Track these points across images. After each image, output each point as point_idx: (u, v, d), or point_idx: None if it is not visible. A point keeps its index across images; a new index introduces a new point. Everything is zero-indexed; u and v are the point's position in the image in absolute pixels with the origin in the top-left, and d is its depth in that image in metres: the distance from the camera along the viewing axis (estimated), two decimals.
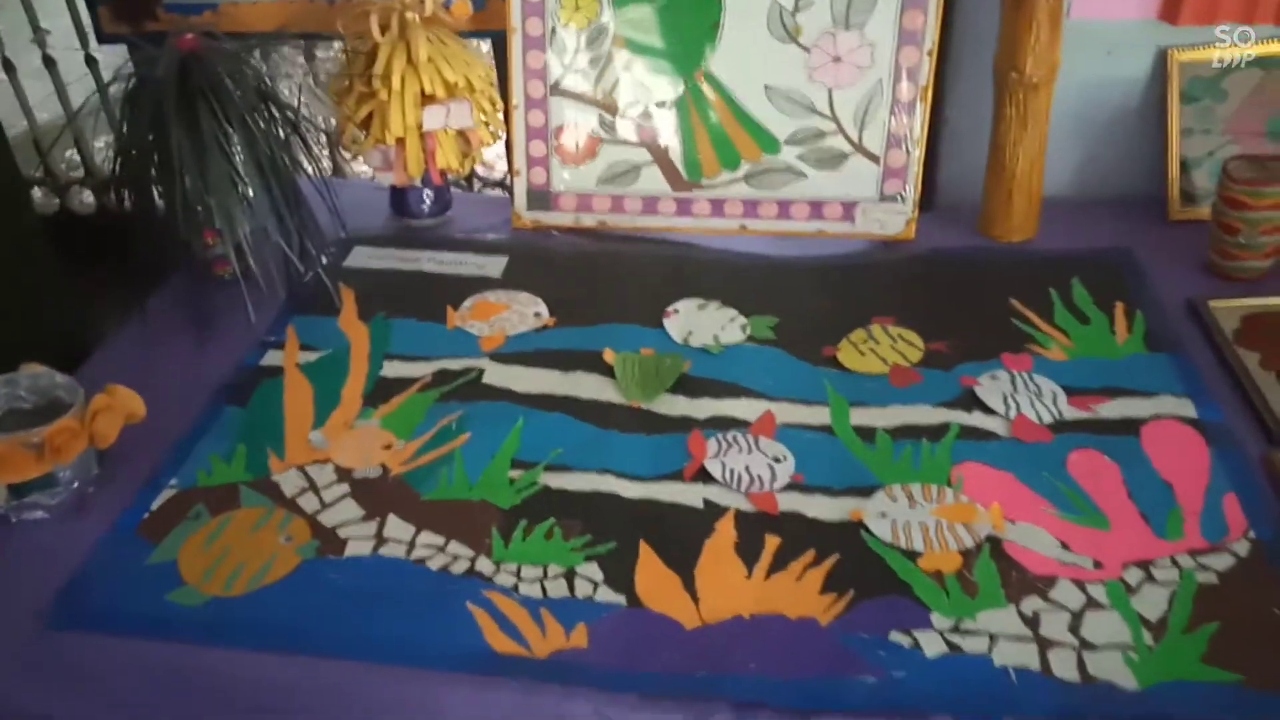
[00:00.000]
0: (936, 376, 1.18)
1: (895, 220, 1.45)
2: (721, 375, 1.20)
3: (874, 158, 1.43)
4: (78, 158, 2.25)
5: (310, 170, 1.31)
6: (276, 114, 1.27)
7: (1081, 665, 0.85)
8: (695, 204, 1.48)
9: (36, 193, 2.19)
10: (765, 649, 0.88)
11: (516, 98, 1.46)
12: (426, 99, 1.38)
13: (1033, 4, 1.29)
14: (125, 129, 1.27)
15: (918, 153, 1.42)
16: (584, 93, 1.45)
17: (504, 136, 1.49)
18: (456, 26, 1.43)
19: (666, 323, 1.29)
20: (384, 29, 1.36)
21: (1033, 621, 0.89)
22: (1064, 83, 1.41)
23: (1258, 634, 0.87)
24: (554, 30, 1.43)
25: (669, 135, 1.46)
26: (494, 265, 1.41)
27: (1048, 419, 1.11)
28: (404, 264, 1.42)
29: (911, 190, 1.43)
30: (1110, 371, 1.17)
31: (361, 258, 1.44)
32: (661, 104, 1.44)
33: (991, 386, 1.16)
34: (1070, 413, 1.12)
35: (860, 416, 1.13)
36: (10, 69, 2.05)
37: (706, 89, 1.43)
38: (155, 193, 1.27)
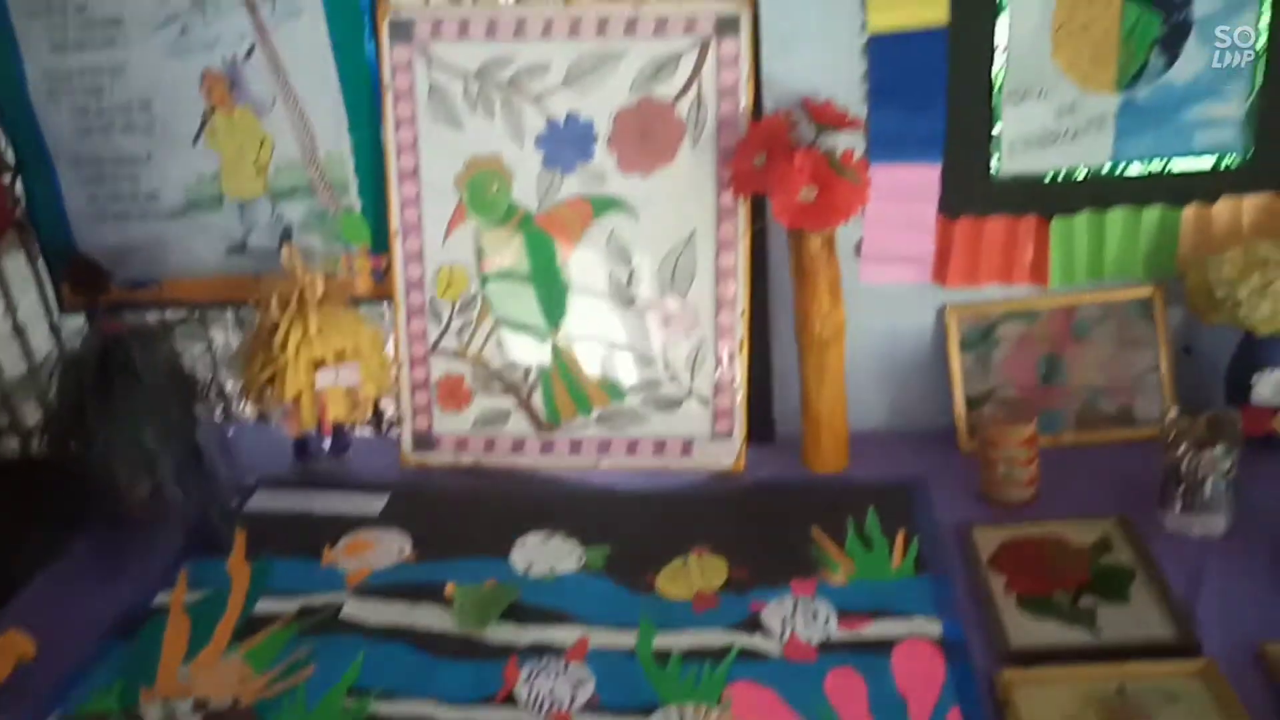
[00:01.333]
0: (731, 601, 1.37)
1: (726, 456, 1.67)
2: (552, 603, 1.39)
3: (705, 402, 1.66)
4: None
5: (208, 433, 1.53)
6: (183, 387, 1.52)
7: None
8: (557, 444, 1.71)
9: None
10: None
11: (402, 356, 1.71)
12: (319, 363, 1.62)
13: (815, 276, 1.55)
14: (54, 395, 1.51)
15: (740, 397, 1.65)
16: (459, 351, 1.70)
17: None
18: (357, 296, 1.70)
19: (513, 555, 1.49)
20: (284, 305, 1.62)
21: None
22: (865, 335, 1.66)
23: None
24: (431, 300, 1.69)
25: (531, 386, 1.70)
26: (375, 504, 1.62)
27: (817, 640, 1.29)
28: (296, 504, 1.63)
29: (738, 429, 1.66)
30: (881, 594, 1.35)
31: (262, 500, 1.66)
32: (523, 360, 1.69)
33: (775, 610, 1.34)
34: (838, 634, 1.30)
35: (662, 640, 1.31)
36: None
37: (561, 347, 1.68)
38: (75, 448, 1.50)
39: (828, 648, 1.28)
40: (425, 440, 1.74)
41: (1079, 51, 1.50)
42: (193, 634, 1.35)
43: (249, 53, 1.70)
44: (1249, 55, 1.47)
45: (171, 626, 1.36)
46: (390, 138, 1.66)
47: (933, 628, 1.29)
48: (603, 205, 1.64)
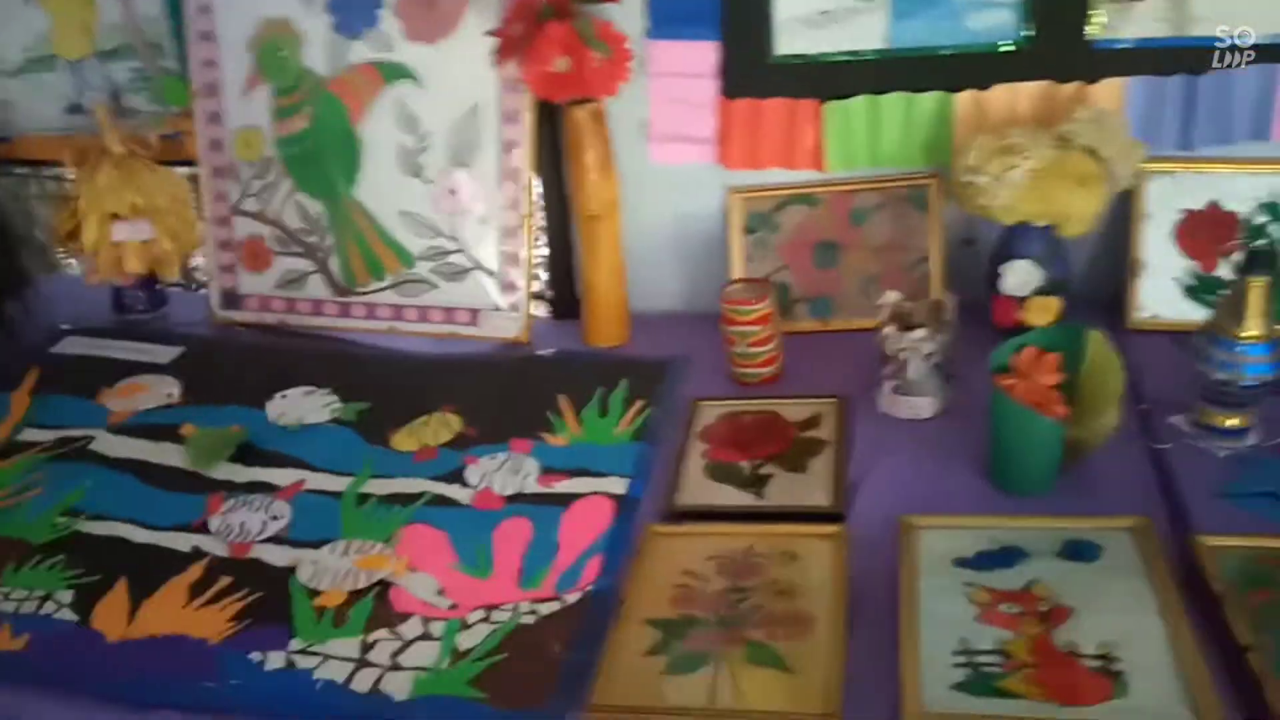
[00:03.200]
0: (449, 455, 1.43)
1: (511, 327, 1.71)
2: (287, 449, 1.46)
3: (491, 273, 1.70)
4: None
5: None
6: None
7: (378, 681, 1.08)
8: (353, 308, 1.77)
9: None
10: (160, 660, 1.12)
11: (206, 215, 1.77)
12: (115, 217, 1.69)
13: (582, 151, 1.56)
14: None
15: (523, 271, 1.68)
16: (259, 212, 1.76)
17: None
18: (156, 157, 1.76)
19: (269, 405, 1.56)
20: (82, 162, 1.69)
21: (367, 647, 1.12)
22: (657, 217, 1.69)
23: (528, 665, 1.08)
24: (231, 162, 1.74)
25: (328, 250, 1.75)
26: (168, 354, 1.70)
27: (510, 492, 1.34)
28: (96, 350, 1.72)
29: (523, 302, 1.69)
30: (591, 456, 1.40)
31: (68, 345, 1.75)
32: (319, 222, 1.74)
33: (484, 465, 1.39)
34: (531, 488, 1.35)
35: (372, 486, 1.38)
36: None
37: (354, 213, 1.73)
38: None
39: (516, 499, 1.33)
40: (232, 299, 1.81)
41: None
42: None
43: None
44: None
45: None
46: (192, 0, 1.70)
47: (618, 487, 1.33)
48: (392, 73, 1.66)
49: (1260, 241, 1.44)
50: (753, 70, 1.58)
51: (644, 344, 1.68)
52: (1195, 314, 1.44)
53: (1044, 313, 1.47)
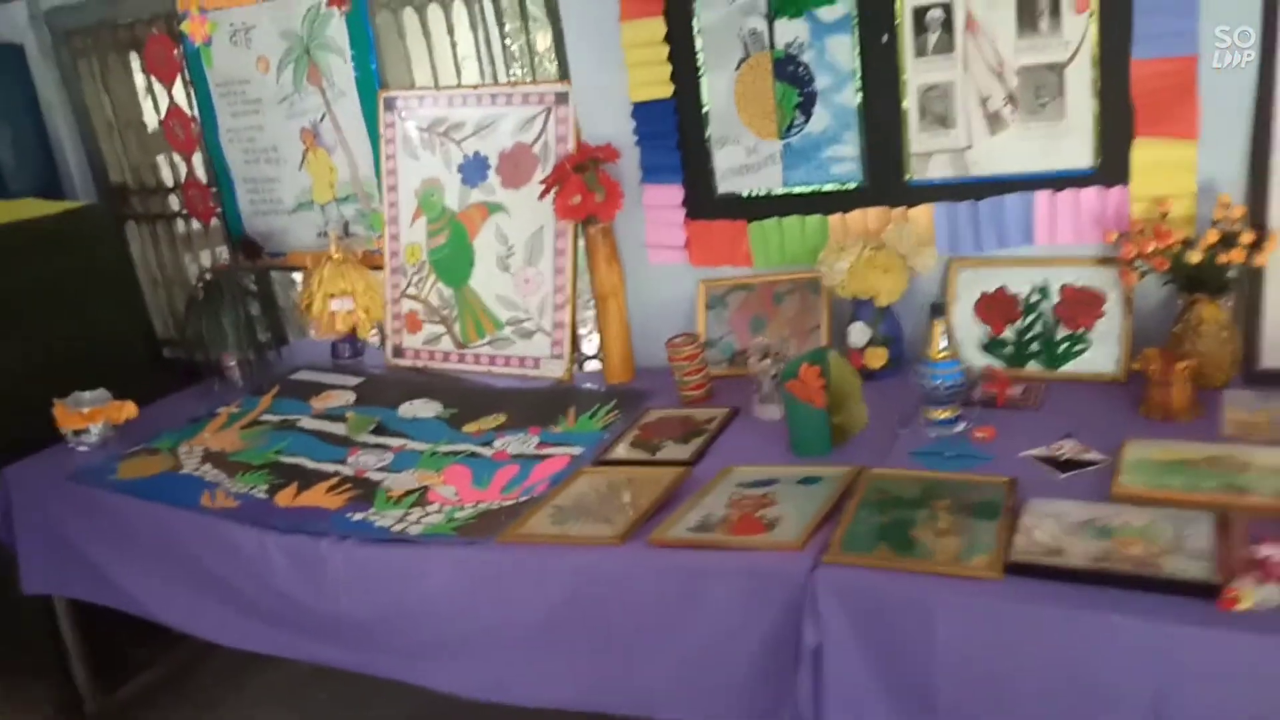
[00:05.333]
0: (490, 435, 2.32)
1: (558, 369, 2.61)
2: (400, 428, 2.42)
3: (547, 334, 2.62)
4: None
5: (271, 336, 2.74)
6: (268, 309, 2.74)
7: (404, 528, 1.97)
8: (467, 356, 2.74)
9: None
10: (304, 516, 2.08)
11: (386, 297, 2.83)
12: (332, 296, 2.78)
13: (596, 252, 2.47)
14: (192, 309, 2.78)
15: (568, 333, 2.59)
16: (416, 295, 2.79)
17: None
18: (362, 261, 2.85)
19: (400, 407, 2.53)
20: (316, 264, 2.80)
21: (406, 515, 2.02)
22: (655, 298, 2.55)
23: (484, 524, 1.94)
24: (402, 264, 2.80)
25: (453, 319, 2.75)
26: (353, 381, 2.74)
27: (514, 452, 2.22)
28: (315, 378, 2.79)
29: (566, 353, 2.60)
30: (571, 437, 2.24)
31: (301, 375, 2.83)
32: (449, 301, 2.74)
33: (510, 438, 2.28)
34: (530, 451, 2.21)
35: (442, 447, 2.30)
36: None
37: (469, 296, 2.71)
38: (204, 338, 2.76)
39: (518, 457, 2.20)
40: (398, 350, 2.84)
41: (753, 113, 2.32)
42: (224, 424, 2.53)
43: (322, 118, 2.91)
44: (853, 113, 2.22)
45: (214, 421, 2.56)
46: (385, 166, 2.80)
47: (577, 452, 2.17)
48: (493, 208, 2.66)
49: (938, 299, 2.03)
50: (704, 202, 2.44)
51: (643, 381, 2.52)
52: (985, 361, 2.12)
53: (876, 358, 2.19)
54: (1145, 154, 1.99)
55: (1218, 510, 1.52)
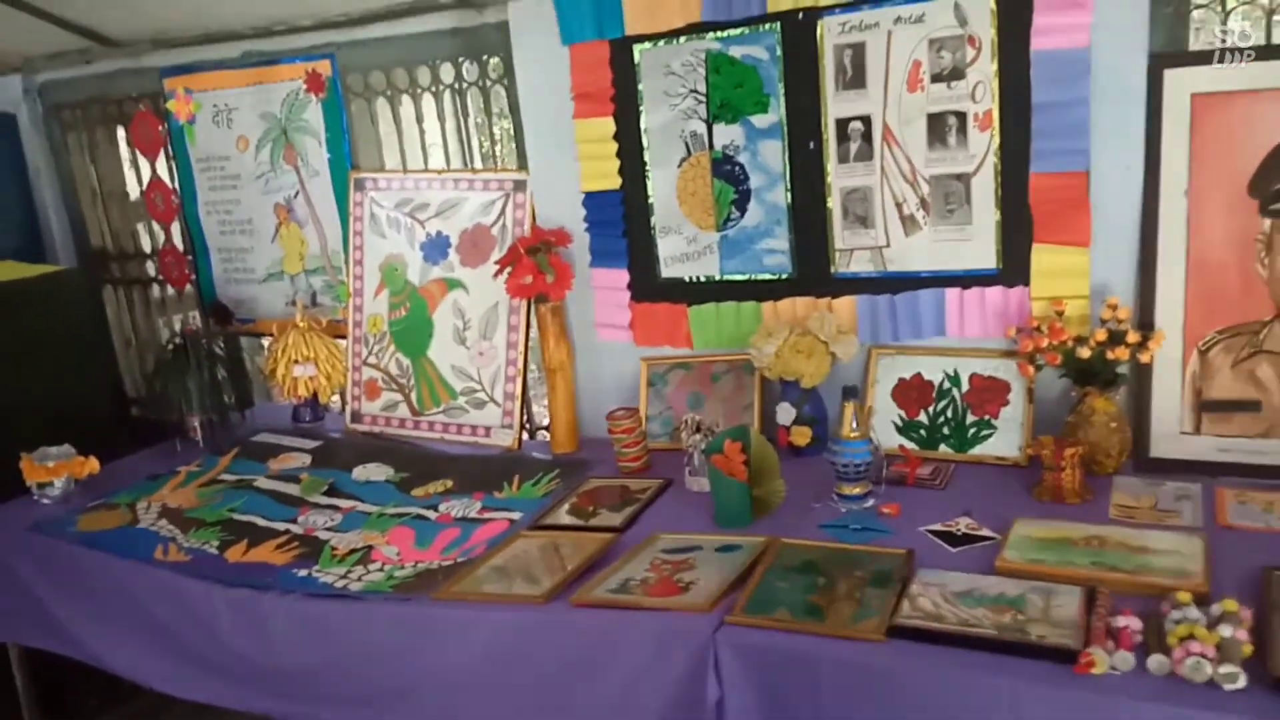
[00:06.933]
0: (436, 498, 2.45)
1: (507, 438, 2.75)
2: (353, 491, 2.54)
3: (499, 404, 2.77)
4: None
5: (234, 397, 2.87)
6: (233, 372, 2.87)
7: (345, 585, 2.09)
8: (422, 423, 2.87)
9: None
10: (252, 571, 2.19)
11: (348, 365, 2.97)
12: (294, 362, 2.92)
13: (546, 330, 2.63)
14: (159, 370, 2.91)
15: (518, 404, 2.73)
16: (376, 364, 2.94)
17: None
18: (326, 330, 3.00)
19: (354, 470, 2.66)
20: (282, 332, 2.94)
21: (349, 573, 2.14)
22: (604, 373, 2.70)
23: (421, 582, 2.05)
24: (365, 335, 2.95)
25: (410, 387, 2.89)
26: (311, 444, 2.86)
27: (457, 515, 2.34)
28: (274, 440, 2.91)
29: (515, 423, 2.74)
30: (513, 503, 2.38)
31: (262, 437, 2.95)
32: (408, 371, 2.89)
33: (454, 503, 2.40)
34: (472, 515, 2.34)
35: (391, 510, 2.42)
36: None
37: (427, 366, 2.86)
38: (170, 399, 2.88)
39: (460, 520, 2.33)
40: (357, 416, 2.97)
41: (693, 206, 2.51)
42: (182, 483, 2.65)
43: (296, 194, 3.09)
44: (783, 210, 2.41)
45: (173, 479, 2.67)
46: (352, 241, 2.96)
47: (516, 516, 2.30)
48: (452, 284, 2.82)
49: (849, 383, 2.19)
50: (649, 286, 2.61)
51: (588, 451, 2.66)
52: (901, 441, 2.28)
53: (801, 436, 2.35)
54: (1043, 259, 2.18)
55: (1086, 585, 1.66)
